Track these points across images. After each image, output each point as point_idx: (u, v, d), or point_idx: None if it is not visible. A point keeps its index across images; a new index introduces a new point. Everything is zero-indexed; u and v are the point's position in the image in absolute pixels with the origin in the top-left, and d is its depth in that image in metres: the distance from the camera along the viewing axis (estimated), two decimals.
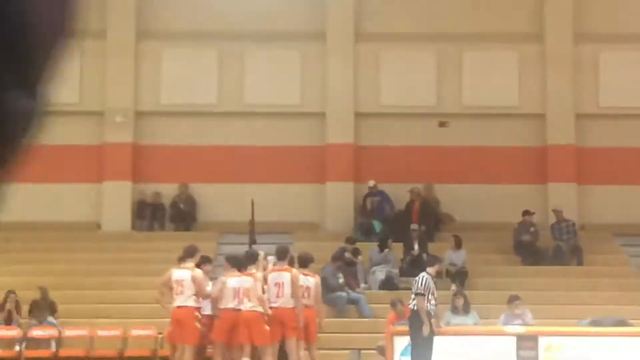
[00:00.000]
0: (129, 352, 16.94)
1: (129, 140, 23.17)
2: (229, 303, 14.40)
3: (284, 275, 14.47)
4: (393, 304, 16.74)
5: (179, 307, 14.43)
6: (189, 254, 14.85)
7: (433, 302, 15.30)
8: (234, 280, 14.48)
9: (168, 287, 14.71)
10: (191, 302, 14.43)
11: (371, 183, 22.93)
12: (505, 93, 23.56)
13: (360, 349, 17.61)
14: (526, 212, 21.77)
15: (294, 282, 14.38)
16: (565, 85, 23.45)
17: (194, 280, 14.41)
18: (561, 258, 21.39)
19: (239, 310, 14.36)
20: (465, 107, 23.61)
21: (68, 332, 17.59)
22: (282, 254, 14.85)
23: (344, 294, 19.15)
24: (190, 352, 14.37)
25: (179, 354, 14.56)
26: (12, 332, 17.55)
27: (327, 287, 18.66)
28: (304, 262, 15.13)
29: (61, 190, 22.89)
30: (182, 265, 14.73)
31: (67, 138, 23.03)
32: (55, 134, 22.95)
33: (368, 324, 18.55)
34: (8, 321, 17.75)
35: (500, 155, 23.46)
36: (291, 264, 14.95)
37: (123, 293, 19.45)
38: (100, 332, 17.48)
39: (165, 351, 15.75)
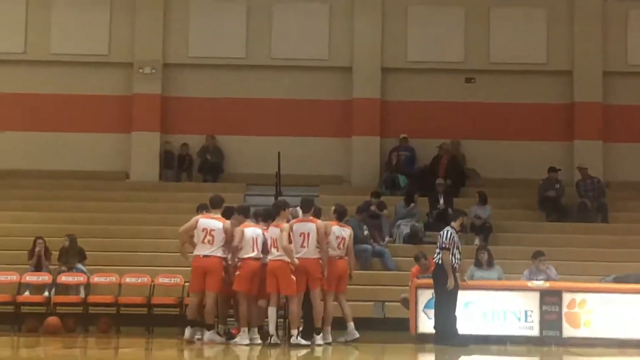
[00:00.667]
0: (155, 300, 17.17)
1: (158, 92, 23.33)
2: (249, 253, 14.58)
3: (309, 226, 14.62)
4: (417, 258, 16.91)
5: (206, 256, 14.61)
6: (217, 204, 14.99)
7: (457, 256, 15.45)
8: (250, 230, 14.65)
9: (190, 236, 14.84)
10: (220, 252, 14.62)
11: (402, 136, 23.07)
12: (533, 50, 23.52)
13: (384, 302, 17.82)
14: (552, 169, 21.83)
15: (319, 233, 14.54)
16: (594, 42, 23.38)
17: (225, 231, 14.58)
18: (586, 215, 21.47)
19: (258, 259, 14.54)
20: (493, 63, 23.60)
21: (97, 279, 17.83)
22: (307, 206, 14.99)
23: (369, 246, 19.32)
24: (213, 300, 14.59)
25: (198, 301, 14.73)
26: (42, 277, 17.81)
27: (352, 239, 18.83)
28: (341, 214, 15.38)
29: (91, 140, 23.14)
30: (210, 215, 14.86)
31: (96, 89, 23.31)
32: (85, 84, 23.25)
33: (392, 277, 18.72)
34: (38, 267, 18.02)
35: (526, 112, 23.47)
36: (316, 215, 15.10)
37: (150, 242, 19.69)
38: (128, 279, 17.71)
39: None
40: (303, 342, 14.25)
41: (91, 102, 23.30)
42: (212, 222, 14.69)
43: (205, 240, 14.58)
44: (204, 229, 14.60)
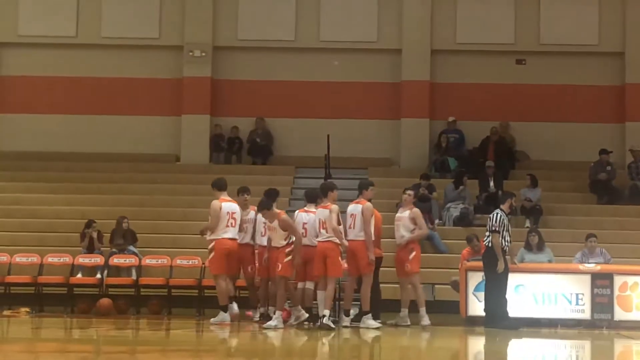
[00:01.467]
0: (206, 282, 17.28)
1: (207, 75, 23.45)
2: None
3: (357, 208, 14.71)
4: (469, 239, 16.86)
5: (231, 239, 15.01)
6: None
7: (507, 238, 15.40)
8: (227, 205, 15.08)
9: (217, 217, 15.00)
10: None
11: (451, 119, 23.02)
12: (584, 31, 23.32)
13: (434, 284, 17.80)
14: (603, 151, 21.65)
15: (364, 215, 14.58)
16: None
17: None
18: (637, 197, 21.27)
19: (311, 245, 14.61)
20: (543, 44, 23.44)
21: (148, 261, 18.00)
22: (361, 187, 15.09)
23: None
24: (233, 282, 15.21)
25: (225, 284, 15.01)
26: (94, 259, 18.01)
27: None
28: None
29: (142, 123, 23.33)
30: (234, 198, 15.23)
31: (147, 72, 23.48)
32: (136, 67, 23.43)
33: (442, 259, 18.71)
34: (90, 249, 18.23)
35: (577, 93, 23.30)
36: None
37: (201, 224, 19.78)
38: (179, 262, 17.86)
39: (243, 282, 16.04)
40: (331, 325, 14.25)
41: (142, 86, 23.48)
42: (235, 206, 15.27)
43: (230, 224, 15.07)
44: (227, 212, 15.17)
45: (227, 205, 15.15)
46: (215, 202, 15.14)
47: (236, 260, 15.23)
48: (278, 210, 14.61)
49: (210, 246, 15.00)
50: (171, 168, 22.91)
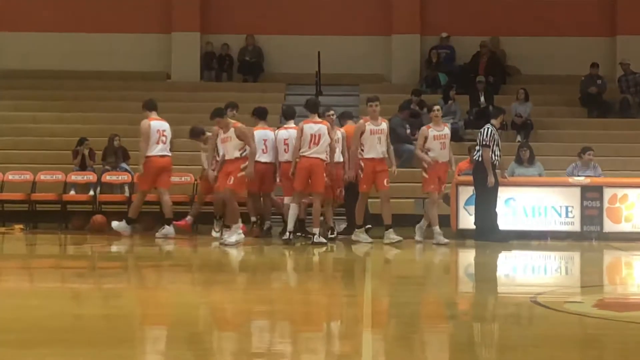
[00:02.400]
0: (197, 198, 17.31)
1: None
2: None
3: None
4: (470, 150, 16.74)
5: (162, 156, 15.45)
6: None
7: (497, 153, 15.49)
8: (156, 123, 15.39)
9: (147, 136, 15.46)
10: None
11: (444, 34, 22.94)
12: None
13: (424, 198, 17.89)
14: (593, 65, 21.63)
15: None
16: None
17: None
18: (628, 111, 21.34)
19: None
20: None
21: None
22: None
23: (411, 146, 19.33)
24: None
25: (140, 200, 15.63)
26: (87, 177, 18.07)
27: (395, 137, 18.89)
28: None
29: (131, 41, 23.19)
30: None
31: None
32: None
33: None
34: (82, 166, 18.26)
35: (568, 7, 23.16)
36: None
37: (191, 141, 19.80)
38: (172, 178, 17.85)
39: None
40: (323, 240, 14.39)
41: (131, 2, 23.29)
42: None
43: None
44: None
45: (156, 123, 15.53)
46: (144, 122, 15.53)
47: (168, 174, 15.63)
48: (233, 120, 14.47)
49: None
50: (162, 86, 22.84)
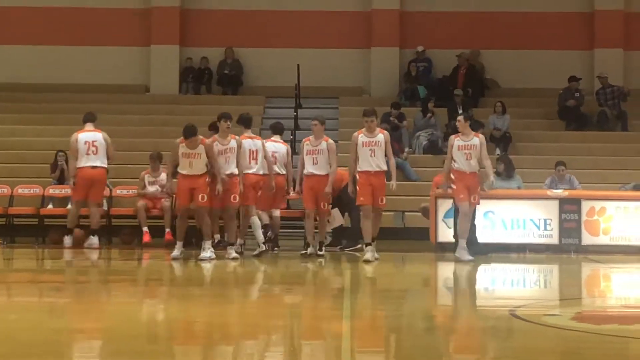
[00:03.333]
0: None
1: (177, 4, 23.27)
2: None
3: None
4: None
5: (92, 167, 15.90)
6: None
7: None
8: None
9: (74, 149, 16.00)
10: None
11: (420, 48, 23.00)
12: None
13: (404, 211, 17.94)
14: (572, 78, 21.74)
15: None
16: None
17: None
18: (606, 123, 21.45)
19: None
20: None
21: (119, 192, 17.97)
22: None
23: (398, 159, 19.36)
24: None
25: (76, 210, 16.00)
26: (65, 190, 17.94)
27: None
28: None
29: (110, 54, 23.17)
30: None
31: (116, 2, 23.24)
32: None
33: (411, 187, 18.82)
34: (60, 180, 18.16)
35: (546, 20, 23.30)
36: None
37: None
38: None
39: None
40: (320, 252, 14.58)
41: (110, 16, 23.26)
42: None
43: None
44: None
45: (84, 135, 15.96)
46: (73, 135, 15.99)
47: (100, 185, 16.03)
48: (201, 137, 14.25)
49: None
50: (141, 99, 22.82)
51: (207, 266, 13.48)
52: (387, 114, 20.31)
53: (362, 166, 14.05)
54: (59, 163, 18.22)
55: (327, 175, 14.41)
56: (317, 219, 14.76)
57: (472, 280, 12.97)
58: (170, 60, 23.13)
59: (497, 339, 8.15)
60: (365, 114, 14.35)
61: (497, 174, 17.26)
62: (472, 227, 15.35)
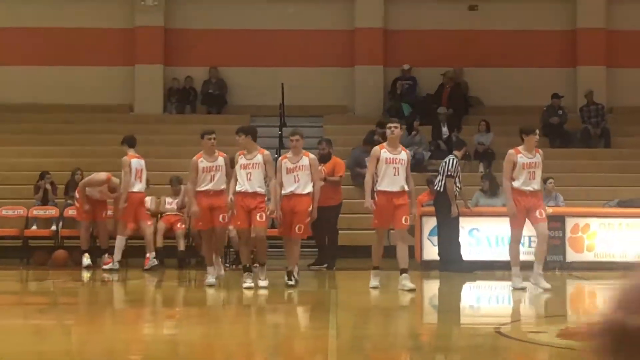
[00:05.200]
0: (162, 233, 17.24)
1: (160, 24, 23.29)
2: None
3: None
4: (429, 182, 16.89)
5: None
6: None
7: (458, 184, 15.57)
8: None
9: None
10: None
11: (406, 66, 23.05)
12: None
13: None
14: (555, 96, 21.84)
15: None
16: None
17: None
18: (589, 140, 21.54)
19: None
20: None
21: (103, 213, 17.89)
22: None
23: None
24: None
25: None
26: (49, 211, 17.93)
27: (354, 168, 19.01)
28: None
29: (94, 73, 23.14)
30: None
31: (99, 21, 23.22)
32: (88, 17, 23.19)
33: None
34: (44, 201, 18.13)
35: (530, 38, 23.39)
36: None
37: (156, 174, 19.75)
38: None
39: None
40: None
41: (94, 35, 23.26)
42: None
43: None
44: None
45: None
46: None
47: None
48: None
49: None
50: (125, 119, 22.79)
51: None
52: (372, 132, 20.32)
53: (382, 185, 12.70)
54: (40, 182, 18.17)
55: (309, 194, 13.15)
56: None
57: (457, 298, 12.98)
58: (154, 79, 23.13)
59: (482, 357, 8.15)
60: (386, 125, 13.21)
61: (482, 191, 17.30)
62: (457, 245, 15.40)
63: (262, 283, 12.77)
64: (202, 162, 13.31)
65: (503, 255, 16.11)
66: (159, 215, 17.23)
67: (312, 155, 13.46)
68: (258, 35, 23.41)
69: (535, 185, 12.92)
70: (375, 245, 13.08)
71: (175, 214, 17.01)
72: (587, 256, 16.19)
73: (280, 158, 13.67)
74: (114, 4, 23.36)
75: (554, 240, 16.08)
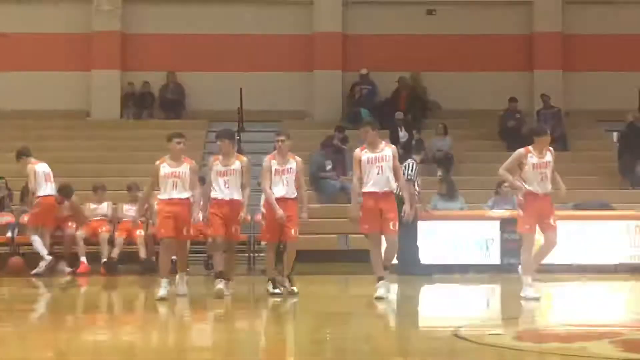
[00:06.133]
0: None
1: (117, 29, 23.16)
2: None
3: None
4: None
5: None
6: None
7: (417, 187, 15.60)
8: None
9: None
10: None
11: (364, 71, 23.10)
12: None
13: (348, 234, 17.95)
14: (512, 99, 21.97)
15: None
16: None
17: None
18: None
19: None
20: None
21: None
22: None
23: (335, 182, 19.40)
24: None
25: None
26: (5, 218, 17.75)
27: (317, 172, 19.02)
28: None
29: (50, 79, 22.98)
30: None
31: (55, 26, 23.06)
32: (44, 22, 23.01)
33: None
34: (0, 208, 17.96)
35: (487, 43, 23.52)
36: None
37: (113, 180, 19.62)
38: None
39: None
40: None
41: (50, 40, 23.07)
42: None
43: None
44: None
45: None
46: None
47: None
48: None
49: None
50: (82, 124, 22.64)
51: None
52: (331, 137, 20.35)
53: (368, 186, 12.14)
54: None
55: (296, 199, 12.50)
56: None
57: (415, 302, 13.01)
58: (111, 85, 22.99)
59: None
60: (364, 125, 12.57)
61: (440, 195, 17.37)
62: (415, 248, 15.43)
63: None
64: (165, 168, 12.29)
65: (461, 258, 16.26)
66: (117, 222, 17.13)
67: (298, 158, 12.70)
68: (216, 40, 23.36)
69: (548, 186, 12.30)
70: (371, 252, 12.34)
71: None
72: (545, 259, 16.24)
73: (267, 158, 12.60)
74: (70, 8, 23.19)
75: (511, 243, 16.17)
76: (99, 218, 17.04)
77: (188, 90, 23.33)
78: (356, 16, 23.63)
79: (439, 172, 20.08)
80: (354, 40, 23.57)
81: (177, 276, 12.54)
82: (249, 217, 12.67)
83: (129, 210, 17.04)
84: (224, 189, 12.21)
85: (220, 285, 12.21)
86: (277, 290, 12.42)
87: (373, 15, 23.58)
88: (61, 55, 23.09)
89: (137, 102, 23.11)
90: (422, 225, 15.72)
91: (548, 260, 16.02)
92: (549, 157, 12.33)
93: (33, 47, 23.06)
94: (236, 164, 12.29)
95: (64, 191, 16.68)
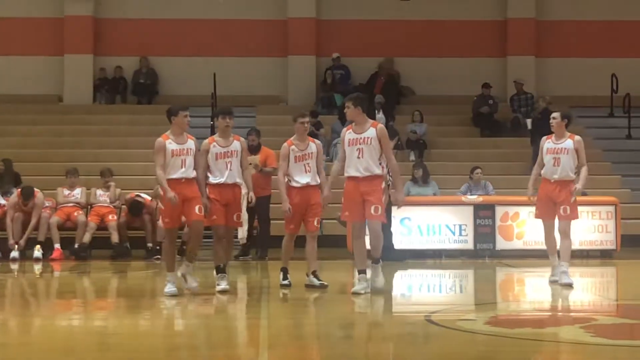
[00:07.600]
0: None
1: (90, 13, 23.03)
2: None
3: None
4: None
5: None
6: None
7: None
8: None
9: None
10: None
11: (335, 55, 23.09)
12: None
13: (322, 219, 17.90)
14: (485, 85, 22.03)
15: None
16: None
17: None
18: (519, 130, 21.75)
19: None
20: None
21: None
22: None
23: None
24: None
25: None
26: None
27: None
28: None
29: (22, 63, 22.85)
30: None
31: (27, 11, 22.92)
32: (16, 6, 22.85)
33: None
34: None
35: (461, 29, 23.56)
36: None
37: (85, 165, 19.54)
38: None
39: None
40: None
41: (22, 24, 22.93)
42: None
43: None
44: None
45: None
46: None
47: None
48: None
49: None
50: (54, 109, 22.53)
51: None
52: None
53: (349, 170, 11.31)
54: None
55: (318, 186, 11.63)
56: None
57: (388, 287, 13.02)
58: (83, 69, 22.87)
59: (412, 345, 8.20)
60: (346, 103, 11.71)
61: (414, 180, 17.40)
62: (388, 233, 15.45)
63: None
64: (171, 144, 10.97)
65: (434, 243, 16.32)
66: (89, 207, 17.07)
67: (317, 141, 11.88)
68: (189, 25, 23.28)
69: (562, 173, 11.88)
70: (353, 243, 11.55)
71: (107, 206, 16.88)
72: (517, 244, 16.40)
73: (285, 144, 11.70)
74: None
75: (484, 228, 16.27)
76: (71, 205, 16.94)
77: (161, 75, 23.24)
78: (330, 1, 23.61)
79: (412, 157, 20.12)
80: (327, 25, 23.54)
81: (183, 267, 11.31)
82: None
83: (102, 195, 17.01)
84: (225, 172, 11.24)
85: (223, 285, 11.26)
86: (286, 282, 11.85)
87: (347, 0, 23.55)
88: (33, 40, 22.94)
89: (109, 87, 23.00)
90: (395, 211, 15.73)
91: (520, 246, 16.27)
92: (567, 144, 11.93)
93: (4, 31, 22.91)
94: (235, 144, 11.36)
95: (25, 194, 16.50)
